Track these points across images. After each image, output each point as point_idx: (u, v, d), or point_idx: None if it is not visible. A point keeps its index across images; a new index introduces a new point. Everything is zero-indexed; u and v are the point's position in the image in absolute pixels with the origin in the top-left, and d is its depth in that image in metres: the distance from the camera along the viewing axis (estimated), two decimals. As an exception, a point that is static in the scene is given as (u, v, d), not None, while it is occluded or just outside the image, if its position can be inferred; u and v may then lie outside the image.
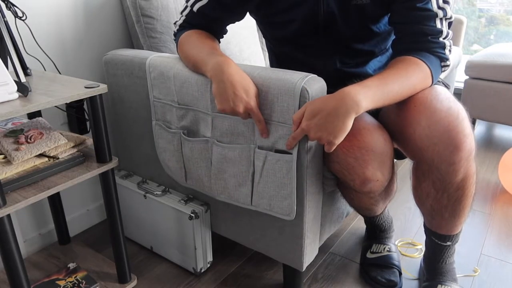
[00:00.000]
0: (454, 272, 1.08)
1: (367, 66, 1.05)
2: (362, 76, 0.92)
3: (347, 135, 0.85)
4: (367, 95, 0.78)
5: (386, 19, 0.97)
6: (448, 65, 0.91)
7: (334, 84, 0.90)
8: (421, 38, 0.88)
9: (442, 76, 1.15)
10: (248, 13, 1.06)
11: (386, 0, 0.90)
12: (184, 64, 0.99)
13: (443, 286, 1.05)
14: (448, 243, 1.03)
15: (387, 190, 1.01)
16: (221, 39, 1.07)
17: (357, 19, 0.95)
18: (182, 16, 1.03)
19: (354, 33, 0.98)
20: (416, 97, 0.87)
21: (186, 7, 1.01)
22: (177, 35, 1.04)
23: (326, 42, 1.00)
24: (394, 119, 0.92)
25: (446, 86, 1.03)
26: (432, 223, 1.02)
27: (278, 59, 1.14)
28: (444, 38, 0.88)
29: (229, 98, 0.84)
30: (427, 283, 1.09)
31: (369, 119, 0.90)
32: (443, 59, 0.89)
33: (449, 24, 0.89)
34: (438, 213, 0.97)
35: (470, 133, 0.84)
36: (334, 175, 0.96)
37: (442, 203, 0.94)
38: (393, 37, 0.98)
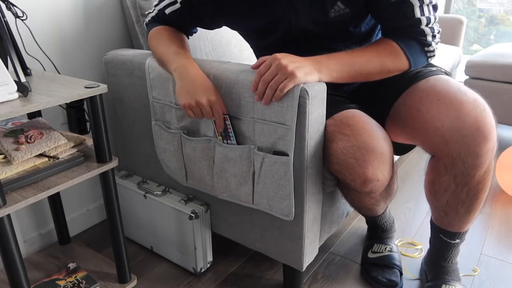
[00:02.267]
0: (458, 272, 1.08)
1: None
2: None
3: (346, 135, 0.85)
4: (330, 63, 0.86)
5: (367, 19, 0.98)
6: (432, 51, 0.93)
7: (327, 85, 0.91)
8: (400, 31, 0.91)
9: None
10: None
11: (362, 3, 0.90)
12: (153, 56, 1.06)
13: (447, 285, 1.05)
14: (457, 240, 1.03)
15: (388, 190, 1.01)
16: (191, 36, 1.13)
17: (337, 27, 0.95)
18: (155, 9, 1.07)
19: (335, 38, 0.99)
20: (436, 90, 0.88)
21: (158, 4, 1.05)
22: (148, 26, 1.10)
23: (307, 49, 0.99)
24: (414, 114, 0.91)
25: (448, 74, 1.03)
26: (443, 220, 1.01)
27: None
28: (426, 25, 0.88)
29: (192, 93, 0.89)
30: (431, 283, 1.08)
31: (369, 119, 0.90)
32: (425, 44, 0.91)
33: (434, 7, 0.89)
34: (453, 208, 0.96)
35: (495, 126, 0.85)
36: (334, 175, 0.96)
37: (460, 197, 0.93)
38: (377, 34, 1.02)
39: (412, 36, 0.90)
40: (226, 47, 1.41)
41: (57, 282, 1.11)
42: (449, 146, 0.86)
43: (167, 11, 1.03)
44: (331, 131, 0.90)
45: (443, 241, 1.04)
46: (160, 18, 1.06)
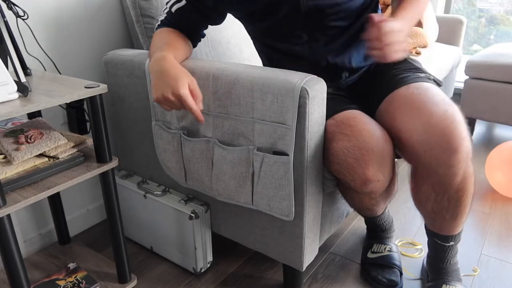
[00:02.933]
0: (458, 272, 1.08)
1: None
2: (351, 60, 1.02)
3: (347, 135, 0.85)
4: (411, 24, 0.94)
5: None
6: None
7: (326, 67, 0.92)
8: None
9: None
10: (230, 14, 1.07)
11: None
12: None
13: (448, 286, 1.05)
14: (451, 243, 1.04)
15: (388, 190, 1.01)
16: (198, 43, 1.10)
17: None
18: (163, 13, 1.06)
19: (340, 15, 0.98)
20: (412, 100, 0.89)
21: (167, 7, 1.04)
22: (156, 29, 1.07)
23: (311, 29, 0.99)
24: (390, 123, 0.92)
25: (438, 83, 1.03)
26: (433, 225, 1.02)
27: (268, 58, 1.13)
28: None
29: (160, 87, 0.86)
30: (431, 283, 1.09)
31: (369, 120, 0.90)
32: None
33: None
34: (439, 215, 0.97)
35: (467, 135, 0.85)
36: (334, 175, 0.96)
37: (442, 205, 0.94)
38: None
39: None
40: (226, 47, 1.41)
41: (57, 282, 1.11)
42: (419, 157, 0.87)
43: (174, 8, 1.01)
44: (331, 131, 0.90)
45: (438, 244, 1.05)
46: (168, 20, 1.04)
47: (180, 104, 0.86)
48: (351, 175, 0.88)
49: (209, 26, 1.08)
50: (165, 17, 1.05)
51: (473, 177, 0.92)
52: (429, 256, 1.12)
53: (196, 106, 0.86)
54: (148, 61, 1.05)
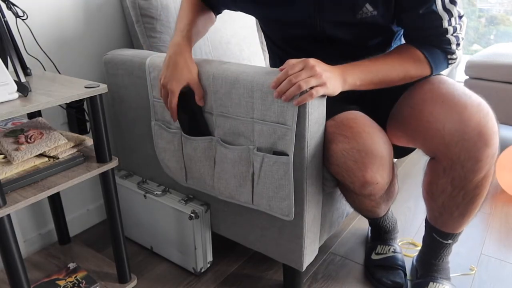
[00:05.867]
0: (448, 271, 1.09)
1: None
2: None
3: (346, 137, 0.84)
4: (355, 72, 0.86)
5: (390, 28, 0.97)
6: (455, 58, 0.92)
7: None
8: (425, 39, 0.90)
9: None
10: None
11: (391, 9, 0.89)
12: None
13: (435, 283, 1.05)
14: (450, 241, 1.03)
15: (388, 192, 1.01)
16: (217, 15, 1.14)
17: (363, 30, 0.94)
18: None
19: (359, 42, 0.98)
20: (441, 92, 0.87)
21: None
22: None
23: (329, 49, 0.99)
24: (416, 115, 0.90)
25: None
26: (438, 220, 1.01)
27: (282, 60, 1.13)
28: (451, 34, 0.88)
29: (164, 72, 0.95)
30: (420, 280, 1.09)
31: (370, 122, 0.90)
32: (448, 52, 0.91)
33: (460, 17, 0.88)
34: (448, 210, 0.96)
35: (497, 131, 0.84)
36: (334, 176, 0.96)
37: (456, 200, 0.93)
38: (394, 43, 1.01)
39: (437, 44, 0.90)
40: (226, 47, 1.41)
41: (57, 282, 1.11)
42: (449, 149, 0.86)
43: None
44: (331, 132, 0.89)
45: (436, 240, 1.05)
46: None
47: (166, 97, 0.95)
48: (350, 177, 0.87)
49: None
50: None
51: (492, 178, 0.91)
52: (422, 251, 1.12)
53: (172, 105, 0.95)
54: (150, 59, 1.05)
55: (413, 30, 0.92)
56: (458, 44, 0.90)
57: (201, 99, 0.96)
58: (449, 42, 0.89)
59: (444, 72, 2.05)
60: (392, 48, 1.00)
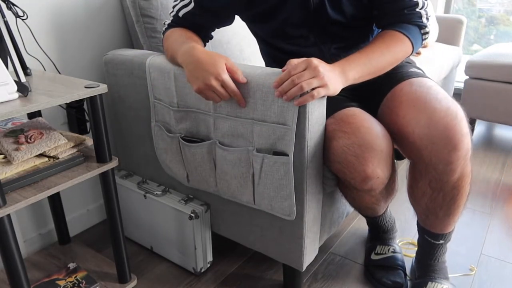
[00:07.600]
0: (446, 271, 1.10)
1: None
2: None
3: (346, 133, 0.85)
4: (352, 67, 0.87)
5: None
6: (427, 32, 0.97)
7: None
8: (398, 13, 0.95)
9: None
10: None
11: None
12: (166, 58, 1.03)
13: (433, 283, 1.06)
14: (441, 241, 1.05)
15: (388, 188, 1.01)
16: (206, 43, 1.09)
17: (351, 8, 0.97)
18: (170, 16, 1.06)
19: (344, 15, 0.99)
20: (415, 96, 0.89)
21: (173, 10, 1.04)
22: (164, 33, 1.07)
23: (316, 30, 1.00)
24: (392, 118, 0.92)
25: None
26: (426, 222, 1.03)
27: (274, 59, 1.13)
28: (420, 9, 0.94)
29: (199, 76, 0.86)
30: (418, 280, 1.09)
31: (369, 117, 0.90)
32: (421, 26, 0.96)
33: None
34: (432, 212, 0.98)
35: (468, 133, 0.86)
36: (334, 175, 0.96)
37: (437, 202, 0.95)
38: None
39: (410, 20, 0.95)
40: (226, 47, 1.41)
41: (57, 282, 1.11)
42: (420, 152, 0.88)
43: (181, 13, 1.02)
44: (331, 129, 0.90)
45: (428, 242, 1.06)
46: (175, 23, 1.05)
47: (222, 90, 0.86)
48: (351, 172, 0.88)
49: (217, 28, 1.09)
50: (172, 20, 1.05)
51: (470, 177, 0.93)
52: (418, 253, 1.13)
53: (234, 90, 0.87)
54: (150, 60, 1.05)
55: (387, 3, 0.95)
56: (427, 18, 0.95)
57: (241, 75, 0.88)
58: (420, 16, 0.95)
59: (445, 72, 2.06)
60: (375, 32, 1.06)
